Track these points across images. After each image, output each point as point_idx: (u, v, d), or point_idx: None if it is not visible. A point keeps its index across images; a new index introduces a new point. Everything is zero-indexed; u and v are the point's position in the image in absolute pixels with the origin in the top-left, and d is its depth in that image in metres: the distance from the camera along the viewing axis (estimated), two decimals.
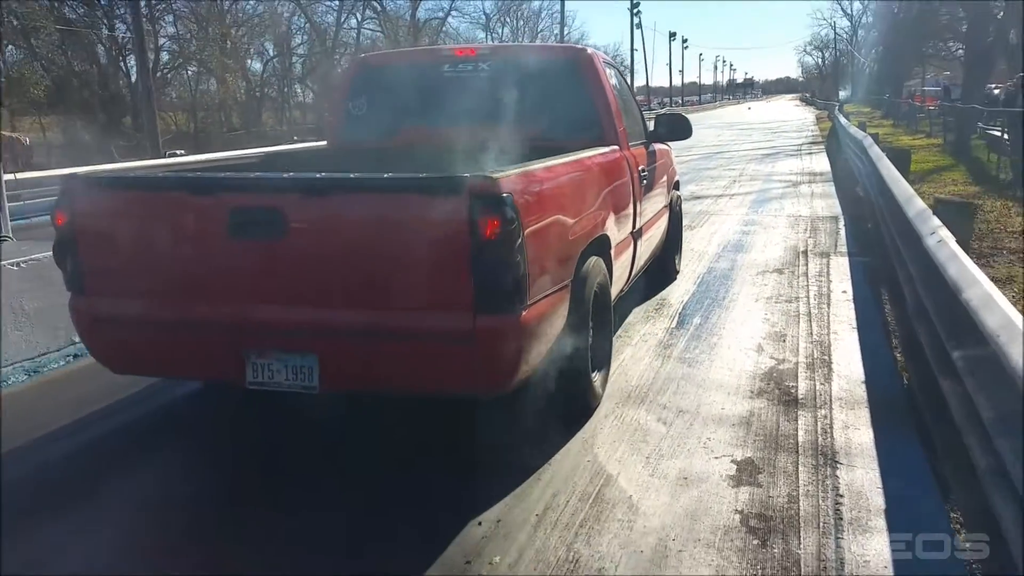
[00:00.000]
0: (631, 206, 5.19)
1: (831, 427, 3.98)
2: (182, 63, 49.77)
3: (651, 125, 6.41)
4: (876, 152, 9.25)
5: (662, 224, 6.59)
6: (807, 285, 6.92)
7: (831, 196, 12.82)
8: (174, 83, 50.87)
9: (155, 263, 3.56)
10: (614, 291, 4.80)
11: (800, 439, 3.86)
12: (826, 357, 5.03)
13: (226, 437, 4.27)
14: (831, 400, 4.33)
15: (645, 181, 5.64)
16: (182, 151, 34.02)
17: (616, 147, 5.12)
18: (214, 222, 3.38)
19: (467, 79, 5.38)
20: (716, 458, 3.70)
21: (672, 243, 7.19)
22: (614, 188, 4.77)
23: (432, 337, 3.24)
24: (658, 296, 6.70)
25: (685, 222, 8.62)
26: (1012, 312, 2.57)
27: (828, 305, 6.24)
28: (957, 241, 4.02)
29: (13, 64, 40.39)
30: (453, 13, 65.53)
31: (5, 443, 4.02)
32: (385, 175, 3.39)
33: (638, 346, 5.40)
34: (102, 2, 45.57)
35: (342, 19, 59.21)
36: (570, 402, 4.09)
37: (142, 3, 46.48)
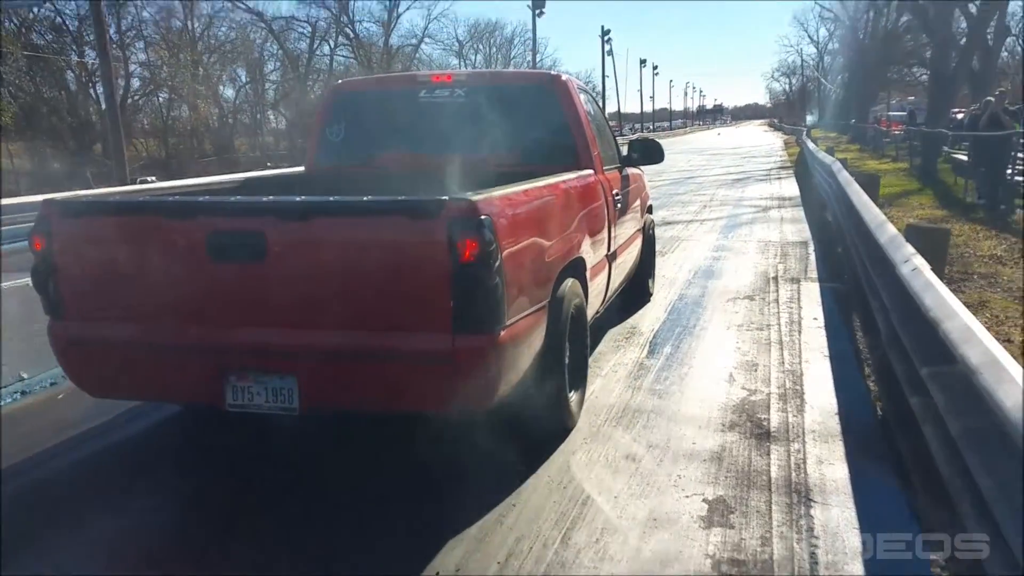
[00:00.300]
0: (606, 229, 5.23)
1: (804, 462, 3.86)
2: (153, 90, 49.55)
3: (625, 150, 6.45)
4: (845, 177, 9.24)
5: (636, 247, 6.63)
6: (778, 312, 6.84)
7: (800, 221, 12.84)
8: (145, 109, 50.66)
9: (134, 287, 3.57)
10: (590, 312, 4.83)
11: (773, 475, 3.74)
12: (798, 387, 4.92)
13: (147, 488, 4.07)
14: (804, 433, 4.21)
15: (619, 205, 5.68)
16: (153, 177, 33.52)
17: (591, 171, 5.15)
18: (194, 245, 3.41)
19: (443, 105, 5.40)
20: (687, 497, 3.56)
21: (645, 266, 7.24)
22: (589, 211, 4.81)
23: (412, 357, 3.29)
24: (629, 324, 6.58)
25: (657, 247, 8.56)
26: (995, 346, 2.46)
27: (799, 333, 6.15)
28: (932, 269, 3.94)
29: None
30: (426, 40, 65.67)
31: None
32: (365, 198, 3.40)
33: (608, 377, 5.26)
34: (71, 28, 45.36)
35: (315, 46, 59.32)
36: (547, 422, 4.14)
37: (112, 30, 46.63)
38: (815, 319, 6.55)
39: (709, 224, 12.96)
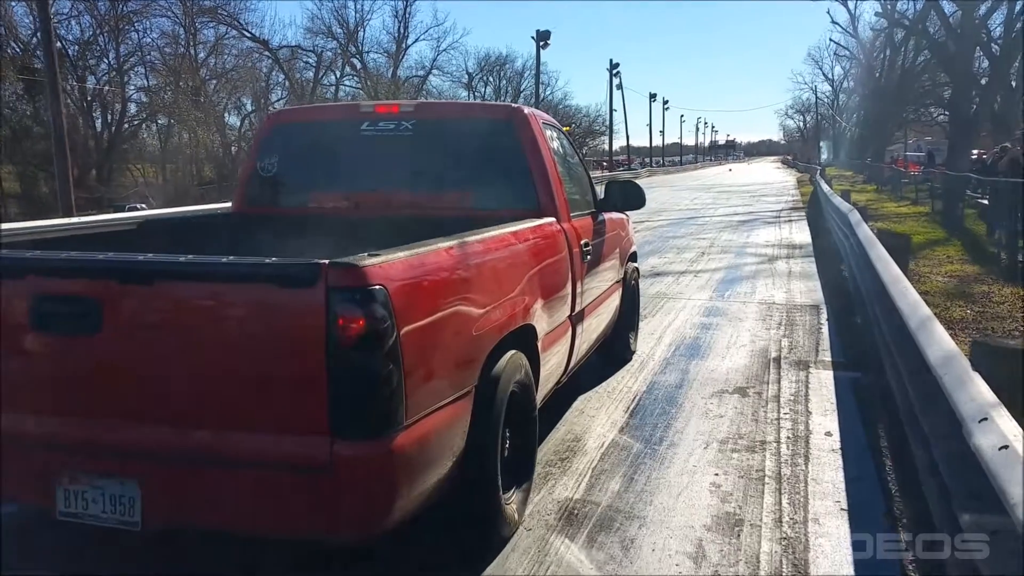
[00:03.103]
0: (568, 286, 4.54)
1: None
2: (149, 116, 49.05)
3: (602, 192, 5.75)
4: (866, 234, 7.44)
5: (613, 302, 5.93)
6: (778, 419, 5.07)
7: (811, 276, 11.04)
8: (143, 135, 50.33)
9: None
10: (547, 386, 4.27)
11: None
12: None
13: None
14: None
15: (589, 257, 4.99)
16: (143, 205, 32.89)
17: (553, 219, 4.51)
18: (15, 312, 2.86)
19: (387, 139, 4.82)
20: None
21: (626, 321, 6.45)
22: (544, 268, 4.13)
23: (279, 467, 2.64)
24: (572, 434, 4.83)
25: None
26: None
27: (806, 460, 4.38)
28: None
29: None
30: (435, 71, 64.48)
31: None
32: (224, 259, 2.75)
33: (518, 538, 3.52)
34: (71, 53, 44.72)
35: (320, 75, 58.46)
36: (475, 532, 3.41)
37: (111, 55, 45.81)
38: (828, 435, 4.77)
39: (704, 277, 11.16)
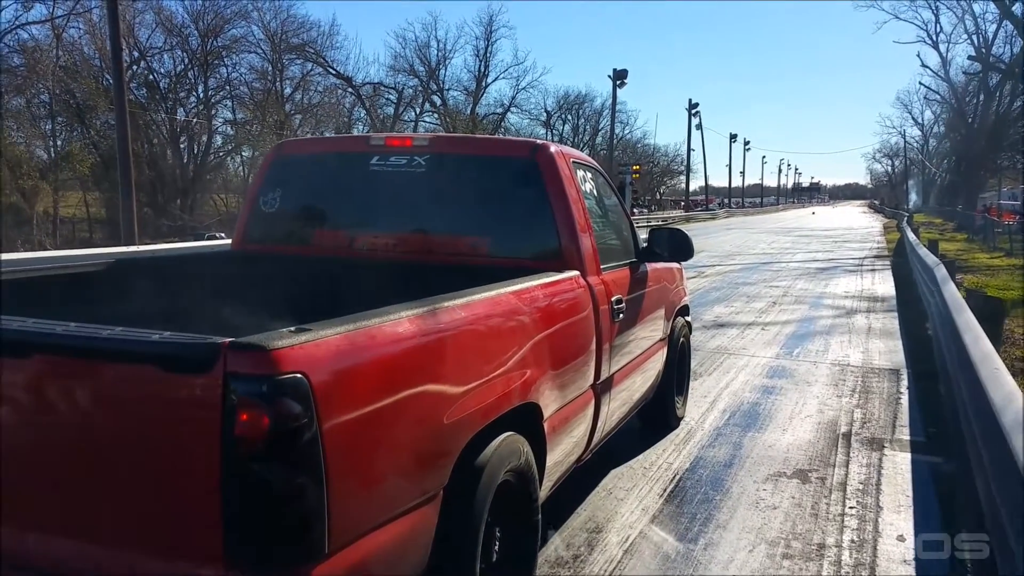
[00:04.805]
0: (592, 351, 3.93)
1: None
2: (234, 148, 50.58)
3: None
4: (952, 294, 6.56)
5: (655, 363, 5.32)
6: (842, 515, 4.30)
7: (893, 335, 10.08)
8: (230, 165, 52.15)
9: None
10: (559, 471, 3.66)
11: None
12: None
13: None
14: None
15: (623, 315, 4.39)
16: (222, 234, 33.62)
17: (576, 272, 3.92)
18: None
19: (398, 175, 4.39)
20: None
21: (673, 383, 5.81)
22: (558, 332, 3.52)
23: None
24: (593, 524, 4.16)
25: (692, 364, 6.68)
26: None
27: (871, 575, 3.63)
28: None
29: (68, 140, 40.91)
30: (513, 109, 64.84)
31: None
32: (105, 333, 2.09)
33: None
34: (162, 86, 46.43)
35: (400, 111, 59.42)
36: None
37: (199, 88, 47.36)
38: (900, 539, 3.99)
39: (773, 331, 10.30)
